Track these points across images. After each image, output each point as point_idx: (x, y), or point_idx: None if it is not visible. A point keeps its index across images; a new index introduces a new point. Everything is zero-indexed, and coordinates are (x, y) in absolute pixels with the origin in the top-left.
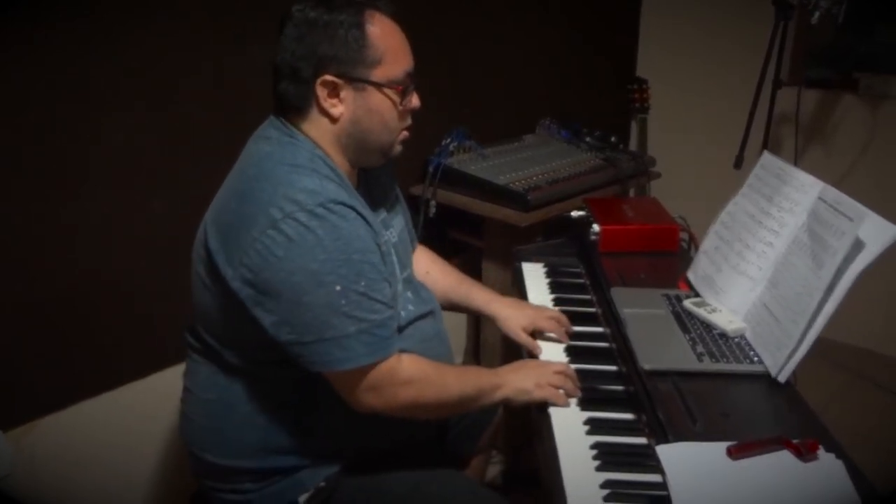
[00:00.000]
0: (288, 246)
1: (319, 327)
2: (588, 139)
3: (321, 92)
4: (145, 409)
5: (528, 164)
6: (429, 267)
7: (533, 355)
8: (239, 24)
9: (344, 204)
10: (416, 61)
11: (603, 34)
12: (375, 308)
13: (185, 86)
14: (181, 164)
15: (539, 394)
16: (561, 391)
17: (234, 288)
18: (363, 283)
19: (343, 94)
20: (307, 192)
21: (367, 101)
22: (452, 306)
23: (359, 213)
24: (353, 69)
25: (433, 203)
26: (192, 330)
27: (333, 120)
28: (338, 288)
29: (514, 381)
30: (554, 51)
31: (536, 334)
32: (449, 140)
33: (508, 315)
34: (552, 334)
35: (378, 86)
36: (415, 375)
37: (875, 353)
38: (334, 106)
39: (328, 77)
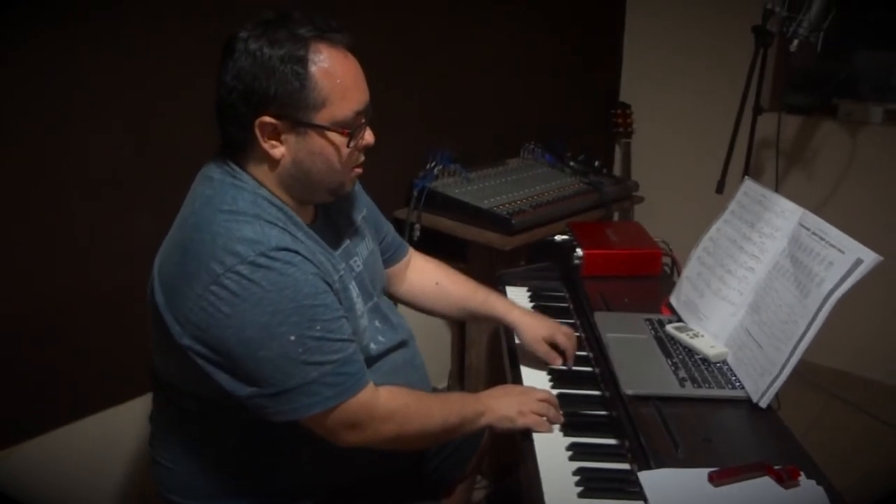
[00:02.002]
0: (233, 302)
1: (280, 379)
2: (572, 163)
3: (260, 133)
4: (137, 430)
5: (512, 187)
6: (438, 278)
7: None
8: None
9: (287, 249)
10: (398, 87)
11: (587, 59)
12: (336, 348)
13: (176, 100)
14: (170, 179)
15: (522, 421)
16: (544, 419)
17: (183, 345)
18: (318, 327)
19: (284, 136)
20: (247, 242)
21: (309, 144)
22: (468, 315)
23: (304, 257)
24: (293, 111)
25: (417, 226)
26: (152, 368)
27: (274, 162)
28: (292, 338)
29: (498, 409)
30: (538, 75)
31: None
32: (434, 163)
33: (530, 324)
34: (565, 350)
35: (321, 129)
36: (395, 409)
37: (856, 376)
38: (274, 147)
39: (266, 119)
